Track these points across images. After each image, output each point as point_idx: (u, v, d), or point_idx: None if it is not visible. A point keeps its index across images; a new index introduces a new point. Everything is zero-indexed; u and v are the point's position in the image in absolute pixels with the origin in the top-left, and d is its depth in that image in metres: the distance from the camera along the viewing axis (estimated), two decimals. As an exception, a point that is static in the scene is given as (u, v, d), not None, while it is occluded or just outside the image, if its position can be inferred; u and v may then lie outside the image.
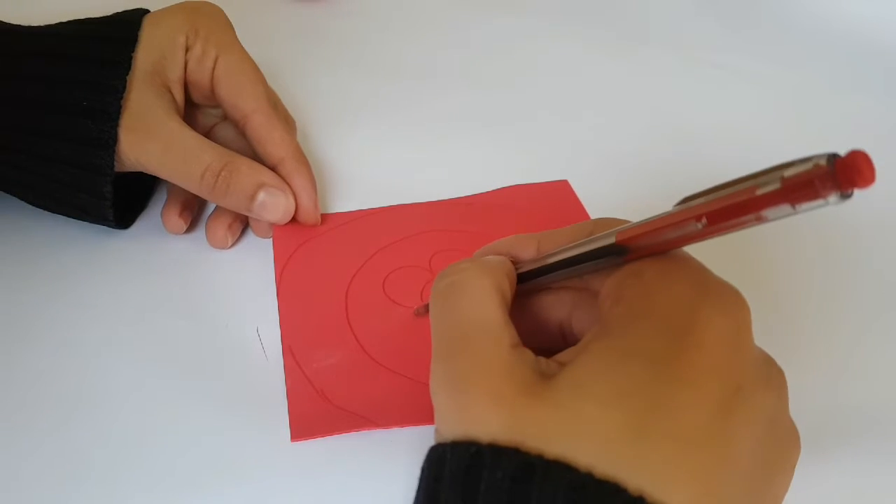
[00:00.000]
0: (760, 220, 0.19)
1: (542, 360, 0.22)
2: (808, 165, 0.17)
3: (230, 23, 0.36)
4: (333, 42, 0.51)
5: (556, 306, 0.26)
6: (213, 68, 0.34)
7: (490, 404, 0.20)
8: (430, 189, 0.39)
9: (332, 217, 0.37)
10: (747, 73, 0.50)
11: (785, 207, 0.18)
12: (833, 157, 0.17)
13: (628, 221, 0.23)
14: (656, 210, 0.22)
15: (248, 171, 0.33)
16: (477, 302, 0.23)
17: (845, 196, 0.17)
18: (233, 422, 0.28)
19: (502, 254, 0.27)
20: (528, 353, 0.22)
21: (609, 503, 0.18)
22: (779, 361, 0.22)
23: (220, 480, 0.26)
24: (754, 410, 0.20)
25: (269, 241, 0.36)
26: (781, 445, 0.22)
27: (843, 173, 0.16)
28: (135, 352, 0.30)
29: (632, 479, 0.18)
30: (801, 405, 0.23)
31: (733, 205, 0.19)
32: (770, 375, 0.22)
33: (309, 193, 0.35)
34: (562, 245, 0.25)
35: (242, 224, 0.36)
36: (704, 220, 0.20)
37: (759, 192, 0.18)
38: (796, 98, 0.48)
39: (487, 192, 0.39)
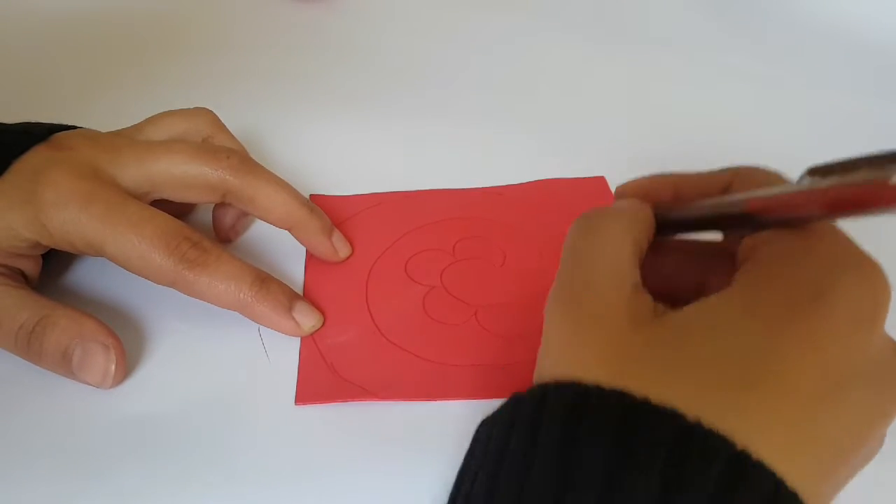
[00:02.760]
0: (885, 213, 0.18)
1: (661, 305, 0.21)
2: None
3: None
4: (333, 42, 0.52)
5: (694, 265, 0.26)
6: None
7: (596, 326, 0.20)
8: (433, 187, 0.39)
9: (363, 198, 0.38)
10: (748, 73, 0.49)
11: None
12: None
13: (769, 173, 0.23)
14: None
15: (67, 325, 0.28)
16: (609, 245, 0.23)
17: None
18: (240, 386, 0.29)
19: (640, 194, 0.26)
20: (647, 297, 0.22)
21: (714, 456, 0.17)
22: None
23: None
24: (865, 401, 0.20)
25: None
26: (873, 444, 0.21)
27: None
28: (145, 336, 0.31)
29: (736, 431, 0.18)
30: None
31: (859, 195, 0.18)
32: (892, 373, 0.20)
33: (322, 244, 0.34)
34: (698, 195, 0.25)
35: (247, 220, 0.36)
36: (827, 207, 0.19)
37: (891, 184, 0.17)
38: (797, 97, 0.46)
39: (520, 185, 0.39)
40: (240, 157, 0.32)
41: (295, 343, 0.31)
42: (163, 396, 0.29)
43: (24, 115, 0.33)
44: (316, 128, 0.43)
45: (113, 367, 0.28)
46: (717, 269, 0.24)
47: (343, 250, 0.34)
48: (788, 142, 0.42)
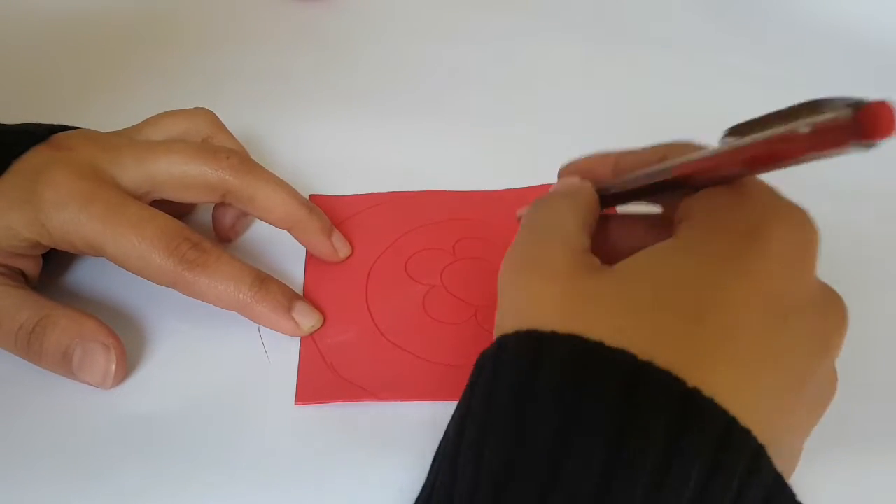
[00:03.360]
0: (801, 162, 0.19)
1: (608, 266, 0.22)
2: (834, 114, 0.17)
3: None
4: (333, 41, 0.51)
5: (639, 235, 0.27)
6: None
7: (549, 280, 0.21)
8: (433, 187, 0.39)
9: (363, 198, 0.38)
10: (748, 73, 0.49)
11: (815, 154, 0.18)
12: (858, 105, 0.17)
13: (694, 145, 0.24)
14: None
15: (67, 325, 0.28)
16: (559, 216, 0.25)
17: (866, 147, 0.17)
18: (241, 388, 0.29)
19: (583, 171, 0.28)
20: (596, 259, 0.23)
21: (666, 395, 0.18)
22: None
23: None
24: (808, 332, 0.20)
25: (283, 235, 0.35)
26: (823, 380, 0.22)
27: (870, 124, 0.16)
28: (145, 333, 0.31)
29: (686, 367, 0.18)
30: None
31: (772, 149, 0.19)
32: (828, 309, 0.22)
33: (322, 244, 0.34)
34: (635, 168, 0.26)
35: (247, 219, 0.36)
36: (743, 164, 0.21)
37: (803, 130, 0.18)
38: (796, 97, 0.45)
39: (519, 189, 0.39)
40: (239, 157, 0.32)
41: (295, 343, 0.31)
42: (163, 397, 0.29)
43: (22, 115, 0.33)
44: (315, 127, 0.43)
45: (113, 367, 0.28)
46: (661, 235, 0.25)
47: (343, 250, 0.34)
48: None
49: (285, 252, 0.35)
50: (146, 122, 0.34)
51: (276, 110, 0.44)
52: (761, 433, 0.19)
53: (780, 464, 0.19)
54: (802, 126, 0.18)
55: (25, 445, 0.27)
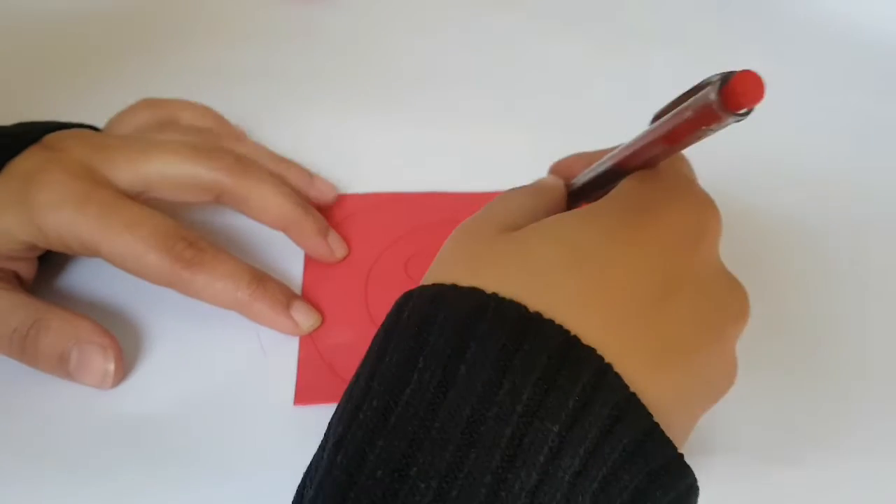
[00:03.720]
0: (700, 138, 0.20)
1: None
2: (705, 95, 0.18)
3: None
4: (332, 41, 0.51)
5: None
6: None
7: (467, 247, 0.22)
8: (432, 187, 0.39)
9: (362, 198, 0.38)
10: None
11: (704, 130, 0.19)
12: (724, 79, 0.17)
13: None
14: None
15: (61, 327, 0.28)
16: (511, 200, 0.25)
17: (741, 117, 0.17)
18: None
19: (563, 169, 0.29)
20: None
21: (546, 340, 0.19)
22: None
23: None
24: (691, 309, 0.21)
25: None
26: (717, 364, 0.22)
27: (731, 98, 0.17)
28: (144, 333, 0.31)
29: (567, 321, 0.19)
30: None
31: (671, 131, 0.20)
32: (724, 297, 0.22)
33: (317, 244, 0.34)
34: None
35: None
36: (663, 145, 0.21)
37: (687, 112, 0.19)
38: (797, 97, 0.46)
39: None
40: (235, 158, 0.32)
41: (294, 344, 0.30)
42: (162, 397, 0.28)
43: (20, 115, 0.33)
44: (315, 128, 0.43)
45: (112, 367, 0.28)
46: None
47: (339, 251, 0.34)
48: (788, 141, 0.42)
49: (284, 253, 0.34)
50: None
51: (275, 110, 0.44)
52: (628, 376, 0.19)
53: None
54: (688, 106, 0.19)
55: (24, 445, 0.27)
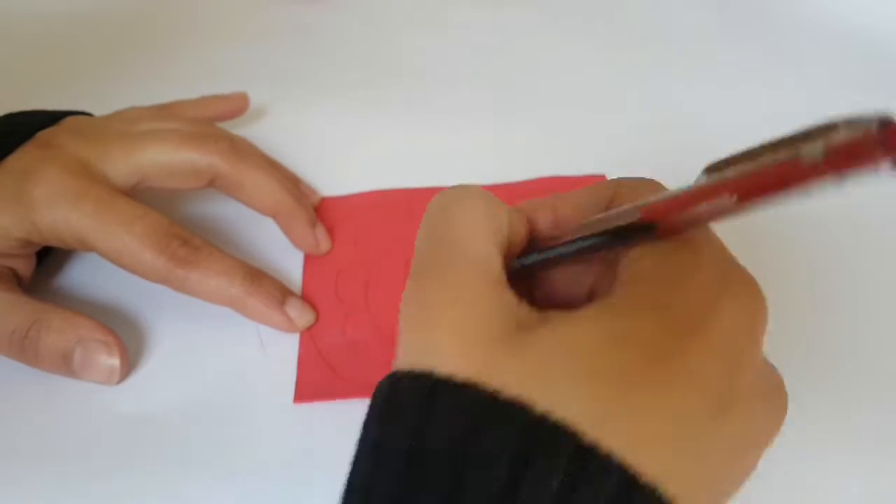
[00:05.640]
0: (803, 193, 0.16)
1: (526, 307, 0.19)
2: (858, 131, 0.14)
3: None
4: (332, 41, 0.51)
5: (585, 272, 0.24)
6: None
7: (456, 347, 0.18)
8: (432, 186, 0.38)
9: (363, 197, 0.38)
10: (748, 73, 0.48)
11: (831, 178, 0.15)
12: (885, 121, 0.14)
13: (654, 183, 0.21)
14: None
15: (61, 326, 0.28)
16: (468, 226, 0.21)
17: None
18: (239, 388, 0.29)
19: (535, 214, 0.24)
20: (511, 296, 0.19)
21: (559, 451, 0.16)
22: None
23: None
24: (747, 417, 0.19)
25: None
26: (749, 466, 0.20)
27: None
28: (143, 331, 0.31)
29: (627, 455, 0.16)
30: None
31: (772, 177, 0.16)
32: (770, 393, 0.20)
33: (305, 234, 0.34)
34: (581, 212, 0.23)
35: None
36: (736, 197, 0.17)
37: (804, 162, 0.15)
38: (797, 97, 0.46)
39: (520, 183, 0.39)
40: (229, 143, 0.32)
41: (294, 341, 0.30)
42: (162, 396, 0.28)
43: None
44: (315, 127, 0.43)
45: (117, 362, 0.28)
46: (607, 274, 0.22)
47: (324, 244, 0.34)
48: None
49: (284, 252, 0.34)
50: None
51: (275, 110, 0.44)
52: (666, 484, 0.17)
53: None
54: (808, 151, 0.16)
55: (24, 445, 0.27)
